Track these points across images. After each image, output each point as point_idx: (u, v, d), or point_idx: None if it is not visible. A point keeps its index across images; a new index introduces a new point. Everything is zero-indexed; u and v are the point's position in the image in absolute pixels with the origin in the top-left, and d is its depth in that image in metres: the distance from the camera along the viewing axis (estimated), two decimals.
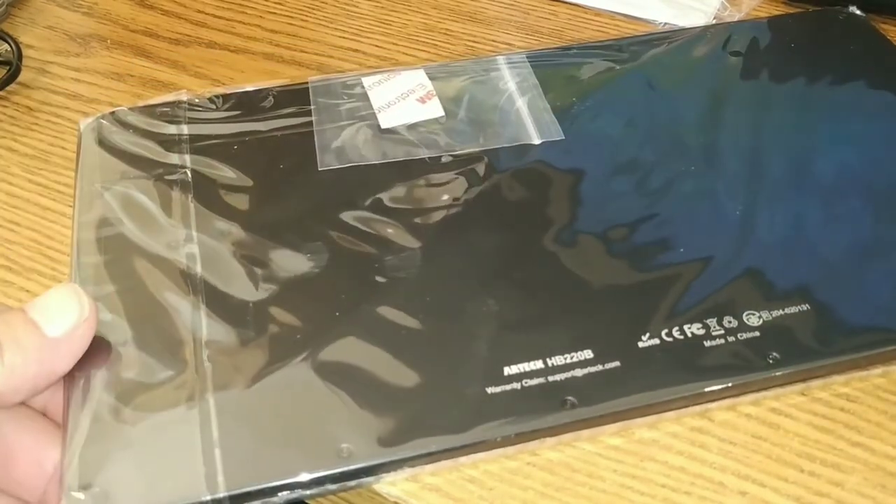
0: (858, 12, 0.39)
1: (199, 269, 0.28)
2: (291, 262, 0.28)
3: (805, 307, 0.27)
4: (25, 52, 0.39)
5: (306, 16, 0.43)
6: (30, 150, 0.35)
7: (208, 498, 0.22)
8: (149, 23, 0.42)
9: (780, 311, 0.27)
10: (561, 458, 0.25)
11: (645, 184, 0.31)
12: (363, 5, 0.44)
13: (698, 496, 0.24)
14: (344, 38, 0.41)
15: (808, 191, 0.31)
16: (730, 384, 0.25)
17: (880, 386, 0.27)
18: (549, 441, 0.25)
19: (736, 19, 0.41)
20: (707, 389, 0.25)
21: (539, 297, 0.27)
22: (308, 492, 0.23)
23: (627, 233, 0.29)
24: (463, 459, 0.24)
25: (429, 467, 0.24)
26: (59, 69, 0.39)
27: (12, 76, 0.37)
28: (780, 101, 0.35)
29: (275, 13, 0.43)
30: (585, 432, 0.25)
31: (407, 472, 0.24)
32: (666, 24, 0.41)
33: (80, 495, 0.22)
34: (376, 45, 0.41)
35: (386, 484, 0.24)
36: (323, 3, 0.44)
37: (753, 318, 0.26)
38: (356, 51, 0.40)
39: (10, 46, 0.38)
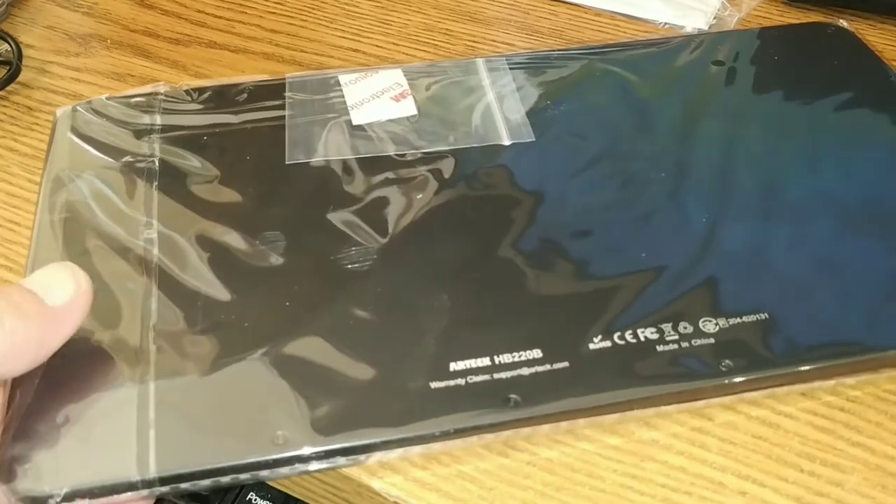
0: (846, 25, 0.39)
1: (155, 254, 0.28)
2: (248, 252, 0.28)
3: (763, 317, 0.26)
4: (25, 51, 0.39)
5: (306, 16, 0.43)
6: (30, 150, 0.35)
7: (138, 479, 0.22)
8: (149, 23, 0.42)
9: (738, 320, 0.26)
10: (561, 458, 0.25)
11: (612, 188, 0.31)
12: (363, 5, 0.44)
13: (698, 496, 0.24)
14: (344, 38, 0.41)
15: (776, 204, 0.31)
16: (679, 389, 0.25)
17: (881, 386, 0.27)
18: (488, 437, 0.25)
19: (736, 19, 0.41)
20: (655, 394, 0.25)
21: (492, 296, 0.27)
22: (242, 476, 0.23)
23: (588, 236, 0.29)
24: (405, 452, 0.24)
25: (369, 458, 0.24)
26: (59, 69, 0.39)
27: (12, 76, 0.37)
28: (757, 113, 0.34)
29: (275, 13, 0.43)
30: (525, 430, 0.25)
31: (342, 461, 0.24)
32: (666, 24, 0.41)
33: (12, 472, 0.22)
34: (376, 45, 0.41)
35: (385, 483, 0.24)
36: (323, 3, 0.44)
37: (710, 325, 0.26)
38: (356, 51, 0.40)
39: (10, 46, 0.38)
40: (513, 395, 0.24)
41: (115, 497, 0.23)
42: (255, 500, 0.31)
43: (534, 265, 0.28)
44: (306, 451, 0.23)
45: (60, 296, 0.23)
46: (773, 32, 0.39)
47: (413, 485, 0.25)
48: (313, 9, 0.43)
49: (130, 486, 0.22)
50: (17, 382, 0.24)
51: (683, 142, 0.33)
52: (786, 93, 0.35)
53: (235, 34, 0.41)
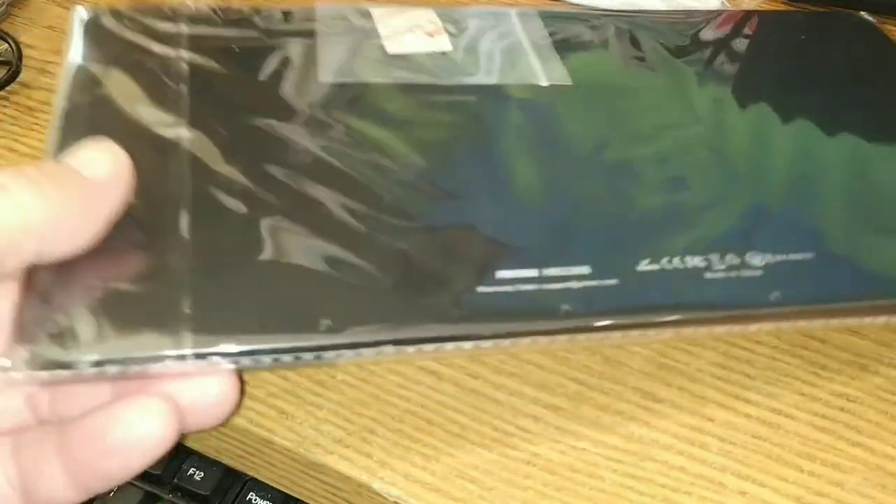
0: (867, 16, 0.39)
1: (187, 148, 0.27)
2: (280, 155, 0.28)
3: (809, 255, 0.27)
4: (25, 51, 0.39)
5: None
6: (30, 151, 0.35)
7: (173, 353, 0.21)
8: None
9: (783, 257, 0.27)
10: (561, 457, 0.25)
11: (652, 133, 0.31)
12: None
13: (698, 496, 0.24)
14: None
15: (810, 163, 0.31)
16: (728, 314, 0.25)
17: (880, 386, 0.27)
18: (542, 342, 0.24)
19: None
20: (704, 315, 0.25)
21: (542, 212, 0.27)
22: (283, 358, 0.23)
23: (634, 170, 0.30)
24: (455, 348, 0.24)
25: (413, 350, 0.24)
26: (59, 69, 0.39)
27: (12, 76, 0.37)
28: (790, 86, 0.35)
29: None
30: (582, 337, 0.25)
31: (391, 351, 0.23)
32: None
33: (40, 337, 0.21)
34: None
35: (385, 483, 0.24)
36: None
37: (756, 259, 0.26)
38: None
39: (10, 46, 0.38)
40: (564, 305, 0.24)
41: (148, 368, 0.21)
42: (255, 500, 0.31)
43: (584, 187, 0.29)
44: (351, 339, 0.23)
45: (101, 169, 0.22)
46: (796, 17, 0.41)
47: (413, 485, 0.25)
48: None
49: (163, 359, 0.21)
50: None
51: (718, 104, 0.34)
52: (809, 75, 0.36)
53: None
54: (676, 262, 0.26)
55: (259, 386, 0.26)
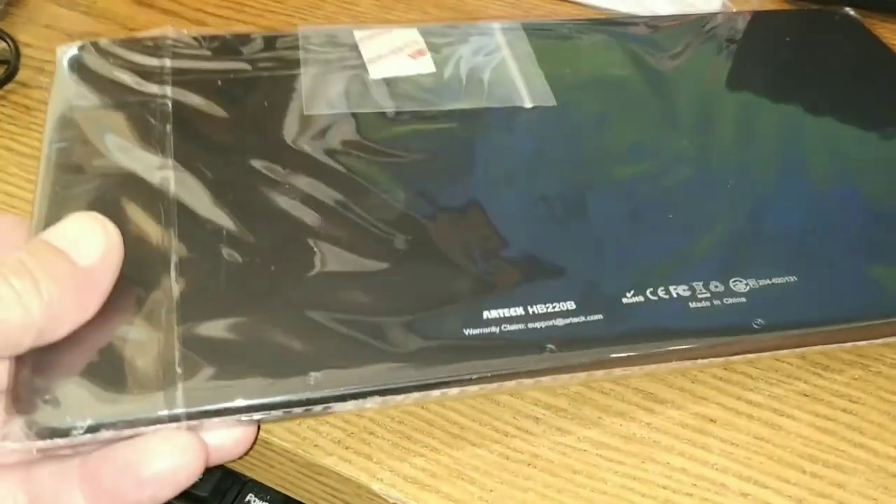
0: (853, 13, 0.39)
1: (172, 191, 0.27)
2: (269, 196, 0.28)
3: (792, 279, 0.27)
4: (24, 50, 0.39)
5: (306, 14, 0.43)
6: (28, 150, 0.35)
7: (165, 413, 0.22)
8: (147, 21, 0.42)
9: (767, 281, 0.27)
10: (562, 459, 0.25)
11: (636, 155, 0.31)
12: (363, 4, 0.43)
13: (700, 497, 0.24)
14: None
15: (792, 177, 0.31)
16: (713, 344, 0.25)
17: (883, 387, 0.27)
18: (527, 382, 0.24)
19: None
20: (688, 347, 0.25)
21: (525, 248, 0.27)
22: (273, 413, 0.23)
23: (615, 197, 0.30)
24: (441, 395, 0.24)
25: (400, 399, 0.24)
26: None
27: (10, 75, 0.37)
28: (771, 93, 0.35)
29: (274, 12, 0.43)
30: (564, 377, 0.25)
31: (377, 401, 0.24)
32: None
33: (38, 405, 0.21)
34: None
35: (385, 484, 0.24)
36: (323, 1, 0.44)
37: (740, 285, 0.26)
38: None
39: (8, 45, 0.38)
40: (549, 344, 0.24)
41: (143, 430, 0.22)
42: (254, 501, 0.31)
43: (563, 221, 0.28)
44: (340, 391, 0.23)
45: (92, 253, 0.22)
46: (780, 17, 0.41)
47: (413, 486, 0.24)
48: (313, 7, 0.43)
49: (157, 421, 0.22)
50: None
51: (703, 116, 0.34)
52: (795, 74, 0.36)
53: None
54: (661, 292, 0.26)
55: None
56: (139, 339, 0.23)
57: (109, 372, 0.22)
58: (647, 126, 0.33)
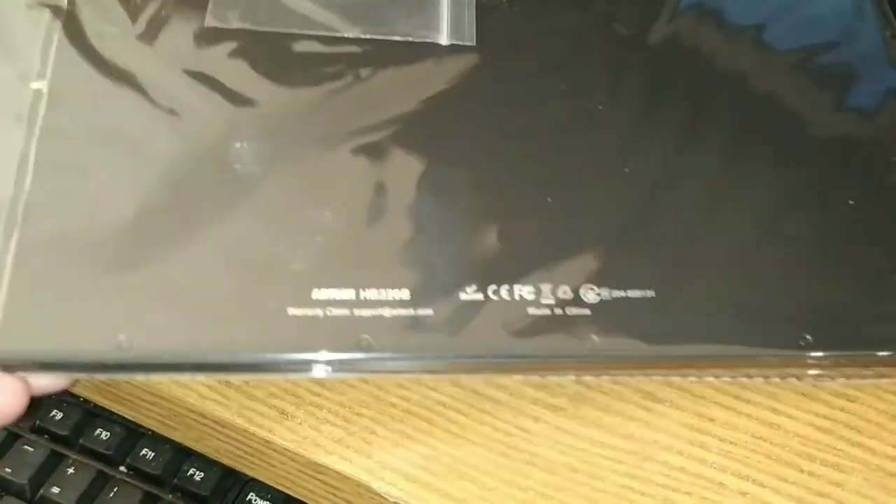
0: None
1: (42, 110, 0.26)
2: (145, 120, 0.26)
3: (649, 294, 0.25)
4: None
5: None
6: None
7: None
8: None
9: (622, 293, 0.24)
10: (561, 458, 0.25)
11: (543, 113, 0.28)
12: None
13: (698, 496, 0.24)
14: None
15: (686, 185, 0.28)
16: (535, 362, 0.24)
17: (880, 386, 0.27)
18: (332, 376, 0.24)
19: None
20: (508, 363, 0.24)
21: (374, 223, 0.25)
22: (77, 374, 0.23)
23: (492, 168, 0.26)
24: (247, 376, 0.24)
25: (203, 377, 0.24)
26: None
27: None
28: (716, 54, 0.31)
29: None
30: (371, 377, 0.24)
31: (185, 377, 0.24)
32: None
33: None
34: None
35: (385, 483, 0.24)
36: None
37: (590, 295, 0.24)
38: None
39: None
40: (365, 336, 0.23)
41: None
42: (255, 500, 0.31)
43: (424, 195, 0.26)
44: (145, 360, 0.23)
45: None
46: None
47: (413, 485, 0.24)
48: None
49: None
50: None
51: (630, 74, 0.30)
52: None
53: None
54: (504, 292, 0.24)
55: (259, 386, 0.26)
56: None
57: None
58: (563, 82, 0.29)
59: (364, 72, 0.28)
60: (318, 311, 0.23)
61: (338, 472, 0.25)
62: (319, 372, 0.24)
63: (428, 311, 0.24)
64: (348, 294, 0.24)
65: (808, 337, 0.25)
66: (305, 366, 0.23)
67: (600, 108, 0.28)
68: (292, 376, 0.24)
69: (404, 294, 0.24)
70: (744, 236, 0.26)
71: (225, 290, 0.24)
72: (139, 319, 0.23)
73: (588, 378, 0.26)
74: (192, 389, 0.26)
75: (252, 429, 0.26)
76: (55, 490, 0.31)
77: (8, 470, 0.31)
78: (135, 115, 0.26)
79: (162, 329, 0.23)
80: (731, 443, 0.25)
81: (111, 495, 0.31)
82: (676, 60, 0.30)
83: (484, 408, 0.26)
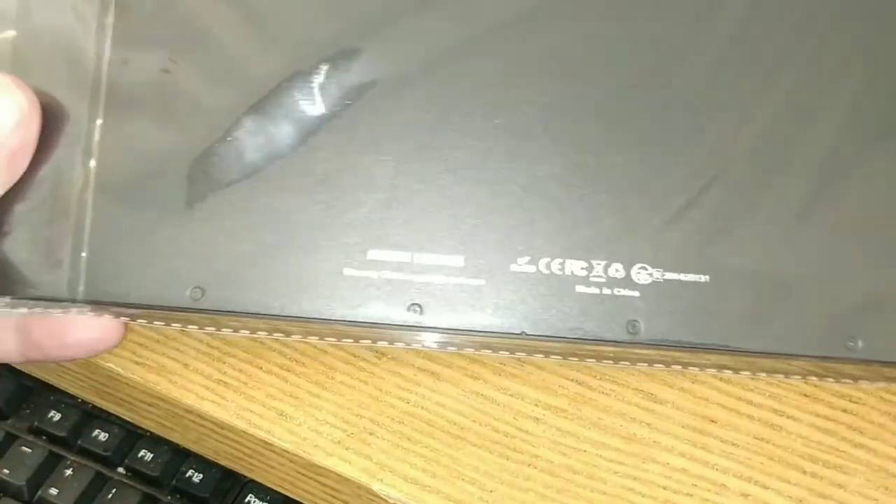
0: None
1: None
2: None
3: (703, 279, 0.24)
4: None
5: None
6: None
7: (67, 298, 0.23)
8: None
9: (675, 276, 0.24)
10: (562, 459, 0.25)
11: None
12: None
13: (700, 498, 0.24)
14: None
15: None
16: (574, 343, 0.24)
17: (883, 387, 0.27)
18: (382, 343, 0.24)
19: None
20: (542, 342, 0.24)
21: (423, 179, 0.24)
22: (156, 322, 0.25)
23: (554, 140, 0.25)
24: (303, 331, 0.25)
25: (271, 329, 0.24)
26: None
27: None
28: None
29: None
30: (418, 344, 0.24)
31: (252, 325, 0.24)
32: None
33: None
34: None
35: (385, 485, 0.24)
36: None
37: (643, 275, 0.24)
38: None
39: None
40: (416, 302, 0.23)
41: (49, 310, 0.24)
42: (254, 501, 0.31)
43: (481, 160, 0.25)
44: (214, 309, 0.23)
45: (7, 121, 0.22)
46: None
47: (413, 487, 0.24)
48: None
49: (60, 305, 0.23)
50: None
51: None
52: None
53: None
54: (556, 266, 0.24)
55: (258, 387, 0.26)
56: (53, 221, 0.24)
57: (25, 252, 0.23)
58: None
59: None
60: (373, 273, 0.24)
61: (337, 474, 0.25)
62: (368, 335, 0.24)
63: (480, 282, 0.24)
64: (403, 257, 0.24)
65: (859, 342, 0.24)
66: (356, 327, 0.24)
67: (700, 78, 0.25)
68: (345, 340, 0.25)
69: (458, 261, 0.24)
70: (811, 233, 0.24)
71: (288, 247, 0.24)
72: (211, 272, 0.24)
73: (588, 378, 0.26)
74: (190, 390, 0.26)
75: (251, 430, 0.26)
76: (53, 491, 0.31)
77: (6, 471, 0.31)
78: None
79: (231, 282, 0.24)
80: (732, 444, 0.25)
81: (109, 497, 0.31)
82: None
83: (484, 409, 0.26)
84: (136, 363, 0.27)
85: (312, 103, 0.25)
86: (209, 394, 0.26)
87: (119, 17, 0.25)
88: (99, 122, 0.25)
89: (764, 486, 0.24)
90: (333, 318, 0.23)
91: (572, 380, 0.27)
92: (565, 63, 0.25)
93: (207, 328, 0.25)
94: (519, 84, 0.25)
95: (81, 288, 0.23)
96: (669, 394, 0.26)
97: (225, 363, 0.27)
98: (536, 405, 0.26)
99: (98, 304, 0.23)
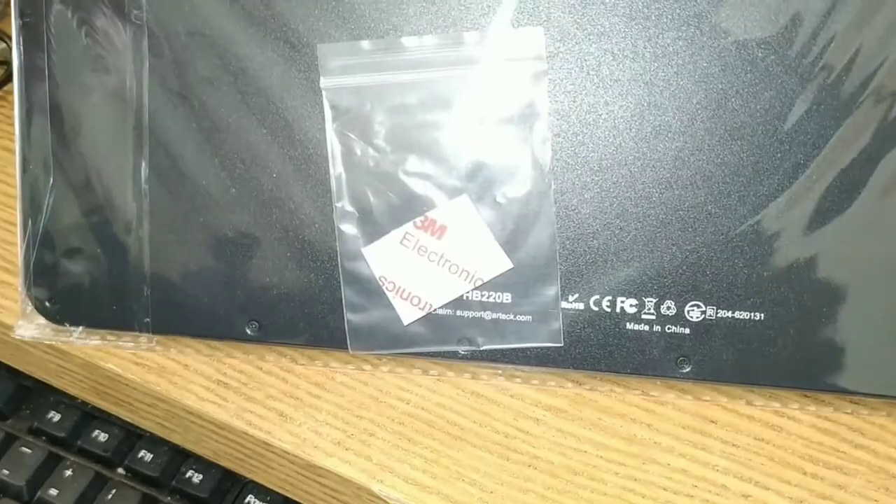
0: None
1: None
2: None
3: (758, 317, 0.23)
4: None
5: None
6: None
7: (138, 332, 0.26)
8: None
9: (728, 314, 0.23)
10: (563, 460, 0.25)
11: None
12: None
13: (701, 499, 0.24)
14: None
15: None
16: (622, 377, 0.25)
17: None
18: (435, 370, 0.26)
19: None
20: (596, 377, 0.25)
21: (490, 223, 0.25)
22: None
23: (611, 169, 0.24)
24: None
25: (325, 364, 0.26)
26: None
27: (10, 76, 0.37)
28: None
29: None
30: (468, 375, 0.26)
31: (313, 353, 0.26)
32: None
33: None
34: None
35: (385, 486, 0.24)
36: None
37: (695, 312, 0.23)
38: None
39: (8, 45, 0.38)
40: (466, 338, 0.25)
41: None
42: (254, 502, 0.31)
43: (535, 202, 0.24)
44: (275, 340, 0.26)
45: None
46: None
47: (413, 488, 0.24)
48: None
49: (130, 338, 0.27)
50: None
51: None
52: None
53: None
54: (606, 303, 0.24)
55: (258, 388, 0.26)
56: (118, 262, 0.26)
57: (95, 290, 0.26)
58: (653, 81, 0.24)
59: None
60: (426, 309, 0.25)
61: (337, 475, 0.25)
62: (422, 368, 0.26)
63: (527, 318, 0.24)
64: (465, 287, 0.25)
65: None
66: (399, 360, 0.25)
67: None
68: (399, 370, 0.26)
69: (506, 298, 0.24)
70: (870, 274, 0.24)
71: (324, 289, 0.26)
72: (266, 306, 0.26)
73: (588, 379, 0.26)
74: (190, 391, 0.26)
75: (251, 431, 0.26)
76: (53, 492, 0.31)
77: (6, 472, 0.31)
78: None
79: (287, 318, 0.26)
80: (733, 445, 0.25)
81: (109, 497, 0.31)
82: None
83: (484, 409, 0.26)
84: (136, 364, 0.27)
85: None
86: (209, 394, 0.26)
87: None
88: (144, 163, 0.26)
89: (764, 487, 0.24)
90: None
91: (572, 380, 0.26)
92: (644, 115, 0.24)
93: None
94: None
95: (147, 320, 0.26)
96: (670, 395, 0.26)
97: (225, 364, 0.27)
98: (537, 406, 0.26)
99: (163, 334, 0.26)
